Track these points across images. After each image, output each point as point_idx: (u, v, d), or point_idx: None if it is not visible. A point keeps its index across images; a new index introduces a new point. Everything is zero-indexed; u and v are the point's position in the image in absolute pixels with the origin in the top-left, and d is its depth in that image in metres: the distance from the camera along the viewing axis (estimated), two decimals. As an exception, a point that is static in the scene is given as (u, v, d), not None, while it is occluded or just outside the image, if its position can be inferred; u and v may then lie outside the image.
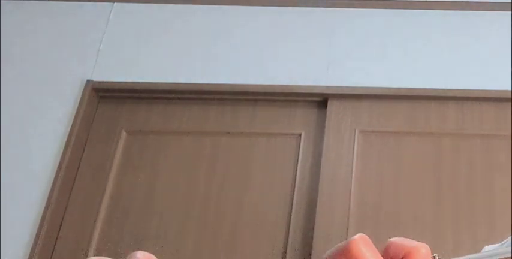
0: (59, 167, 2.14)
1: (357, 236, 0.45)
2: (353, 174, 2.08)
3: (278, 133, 2.22)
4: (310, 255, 1.94)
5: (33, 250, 2.01)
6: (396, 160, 2.11)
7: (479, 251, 0.53)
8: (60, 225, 2.10)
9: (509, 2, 2.32)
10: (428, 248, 0.46)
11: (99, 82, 2.32)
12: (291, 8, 2.43)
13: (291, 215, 2.05)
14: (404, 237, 0.49)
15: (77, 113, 2.24)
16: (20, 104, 2.30)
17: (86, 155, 2.23)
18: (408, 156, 2.11)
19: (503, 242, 0.48)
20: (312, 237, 1.98)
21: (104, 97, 2.33)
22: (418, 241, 0.47)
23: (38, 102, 2.30)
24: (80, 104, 2.26)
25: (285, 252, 1.99)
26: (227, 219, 2.07)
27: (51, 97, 2.30)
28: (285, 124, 2.23)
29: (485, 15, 2.34)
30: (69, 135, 2.20)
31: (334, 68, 2.28)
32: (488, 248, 0.49)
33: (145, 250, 0.55)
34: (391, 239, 0.47)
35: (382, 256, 0.46)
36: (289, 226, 2.03)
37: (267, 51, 2.35)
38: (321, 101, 2.25)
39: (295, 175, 2.12)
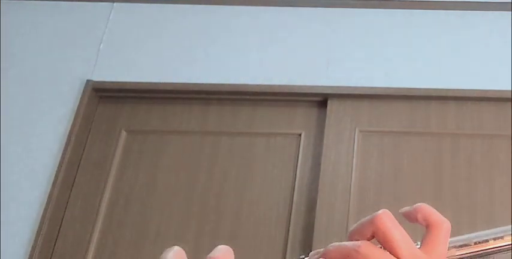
0: (59, 167, 2.14)
1: (380, 211, 0.50)
2: (353, 174, 2.08)
3: (278, 133, 2.22)
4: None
5: (33, 248, 2.02)
6: (396, 160, 2.11)
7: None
8: (61, 224, 2.10)
9: (509, 2, 2.32)
10: (450, 224, 0.52)
11: (99, 82, 2.32)
12: (291, 8, 2.43)
13: (291, 215, 2.05)
14: None
15: (77, 112, 2.25)
16: (20, 104, 2.30)
17: (86, 155, 2.23)
18: (408, 156, 2.11)
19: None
20: (312, 237, 1.98)
21: (104, 97, 2.33)
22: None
23: (38, 102, 2.30)
24: (80, 104, 2.26)
25: (285, 251, 1.99)
26: (227, 219, 2.07)
27: (51, 97, 2.30)
28: (285, 124, 2.23)
29: (485, 15, 2.34)
30: (69, 135, 2.20)
31: (334, 68, 2.28)
32: None
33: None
34: (419, 204, 0.53)
35: (408, 214, 0.52)
36: (289, 226, 2.03)
37: (267, 51, 2.35)
38: (321, 101, 2.25)
39: (295, 175, 2.12)
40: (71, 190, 2.16)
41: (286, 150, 2.17)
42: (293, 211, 2.06)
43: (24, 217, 2.08)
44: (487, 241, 0.51)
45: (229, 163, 2.16)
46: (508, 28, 2.30)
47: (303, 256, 0.54)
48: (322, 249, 0.53)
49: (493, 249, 0.51)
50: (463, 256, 0.51)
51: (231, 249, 0.54)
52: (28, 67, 2.38)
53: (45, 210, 2.07)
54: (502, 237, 0.51)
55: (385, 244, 0.50)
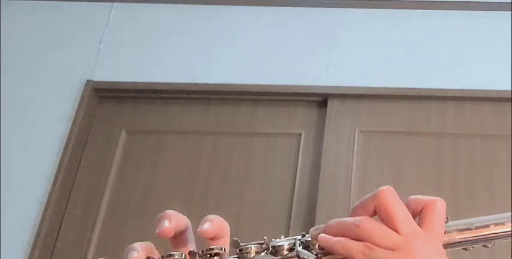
0: (59, 167, 2.14)
1: (384, 187, 0.50)
2: (353, 174, 2.08)
3: (278, 133, 2.21)
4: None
5: (33, 249, 2.01)
6: (396, 160, 2.11)
7: (478, 250, 0.53)
8: (60, 225, 2.10)
9: (509, 2, 2.32)
10: (444, 202, 0.51)
11: (99, 82, 2.32)
12: (291, 8, 2.43)
13: (290, 215, 2.05)
14: None
15: (77, 113, 2.24)
16: (20, 104, 2.30)
17: (85, 155, 2.23)
18: (408, 156, 2.11)
19: None
20: (312, 237, 1.97)
21: (104, 97, 2.33)
22: None
23: (38, 102, 2.30)
24: (80, 104, 2.26)
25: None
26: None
27: (51, 97, 2.30)
28: (285, 124, 2.23)
29: (485, 15, 2.34)
30: (69, 135, 2.20)
31: (334, 68, 2.28)
32: None
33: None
34: (410, 196, 0.53)
35: None
36: (289, 226, 2.03)
37: (267, 51, 2.34)
38: (321, 101, 2.25)
39: (295, 175, 2.12)
40: (71, 190, 2.16)
41: (286, 150, 2.17)
42: (293, 211, 2.05)
43: (24, 217, 2.08)
44: (488, 226, 0.51)
45: (229, 163, 2.16)
46: (508, 28, 2.29)
47: (304, 233, 0.54)
48: (322, 225, 0.53)
49: (494, 235, 0.51)
50: (464, 240, 0.52)
51: (221, 219, 0.54)
52: (28, 67, 2.38)
53: (45, 210, 2.07)
54: (503, 223, 0.51)
55: (386, 220, 0.49)
